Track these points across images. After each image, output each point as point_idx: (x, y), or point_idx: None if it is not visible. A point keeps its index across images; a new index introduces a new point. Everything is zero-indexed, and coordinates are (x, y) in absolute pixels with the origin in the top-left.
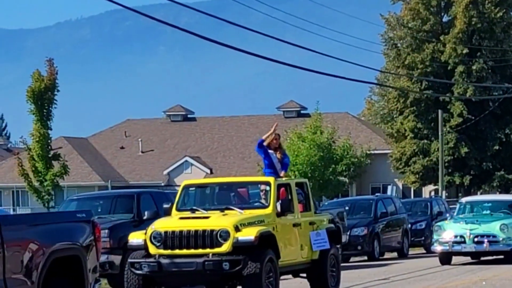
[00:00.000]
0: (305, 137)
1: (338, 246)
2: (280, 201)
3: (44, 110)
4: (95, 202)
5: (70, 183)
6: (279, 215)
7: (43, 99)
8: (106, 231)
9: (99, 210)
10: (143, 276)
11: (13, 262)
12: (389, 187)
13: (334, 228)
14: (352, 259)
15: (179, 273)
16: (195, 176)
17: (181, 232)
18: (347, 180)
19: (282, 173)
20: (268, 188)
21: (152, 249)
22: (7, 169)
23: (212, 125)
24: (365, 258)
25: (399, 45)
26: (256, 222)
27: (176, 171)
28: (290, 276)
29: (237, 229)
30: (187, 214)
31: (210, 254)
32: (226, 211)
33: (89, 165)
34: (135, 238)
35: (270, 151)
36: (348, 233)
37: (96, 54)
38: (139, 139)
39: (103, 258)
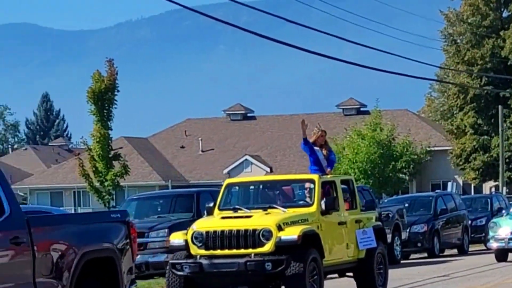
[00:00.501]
0: (364, 135)
1: (385, 244)
2: (324, 199)
3: (105, 111)
4: (155, 202)
5: (131, 183)
6: (323, 213)
7: (103, 99)
8: (166, 230)
9: (159, 209)
10: (184, 277)
11: (43, 264)
12: (449, 184)
13: (380, 226)
14: (412, 256)
15: (221, 274)
16: (255, 174)
17: (222, 232)
18: (407, 177)
19: (328, 170)
20: (312, 186)
21: (193, 250)
22: (69, 169)
23: (272, 124)
24: (425, 255)
25: (458, 41)
26: (300, 221)
27: (236, 170)
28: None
29: (279, 228)
30: (229, 213)
31: (252, 254)
32: (269, 210)
33: (150, 165)
34: (176, 238)
35: (316, 148)
36: (408, 230)
37: (156, 53)
38: (199, 138)
39: (161, 257)
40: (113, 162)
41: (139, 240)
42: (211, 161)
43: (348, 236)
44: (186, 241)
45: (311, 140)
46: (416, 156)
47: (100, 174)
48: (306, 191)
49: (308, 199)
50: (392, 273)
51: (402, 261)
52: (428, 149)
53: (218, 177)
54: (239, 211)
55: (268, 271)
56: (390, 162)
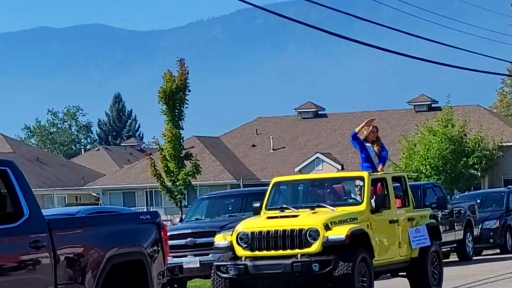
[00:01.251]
0: (436, 131)
1: (439, 242)
2: (374, 197)
3: (176, 110)
4: (226, 201)
5: (202, 182)
6: (373, 211)
7: (174, 99)
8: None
9: (230, 208)
10: (230, 279)
11: (66, 269)
12: None
13: (435, 223)
14: (484, 252)
15: (267, 275)
16: (326, 172)
17: (268, 232)
18: (479, 173)
19: (379, 167)
20: (362, 183)
21: (239, 251)
22: (141, 169)
23: (343, 121)
24: (498, 251)
25: None
26: (348, 220)
27: (307, 167)
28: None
29: (327, 227)
30: (276, 213)
31: (299, 255)
32: (317, 209)
33: (221, 164)
34: (222, 239)
35: (367, 144)
36: (480, 226)
37: (227, 53)
38: (271, 137)
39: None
40: (185, 161)
41: (210, 239)
42: (283, 159)
43: (400, 235)
44: (231, 242)
45: (362, 137)
46: (488, 152)
47: (172, 174)
48: (356, 189)
49: (358, 197)
50: (465, 269)
51: (474, 258)
52: (500, 144)
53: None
54: (286, 211)
55: (316, 272)
56: (462, 158)
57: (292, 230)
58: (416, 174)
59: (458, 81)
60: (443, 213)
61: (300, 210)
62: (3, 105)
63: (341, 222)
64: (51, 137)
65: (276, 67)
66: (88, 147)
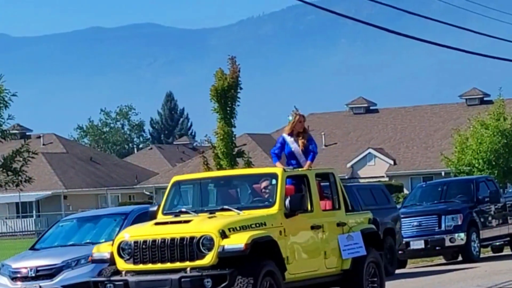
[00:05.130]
0: (488, 124)
1: (380, 251)
2: (289, 198)
3: (228, 108)
4: None
5: None
6: (288, 215)
7: (226, 97)
8: None
9: None
10: None
11: None
12: None
13: (373, 229)
14: None
15: None
16: (378, 167)
17: (154, 241)
18: None
19: (306, 164)
20: (275, 181)
21: (120, 264)
22: (193, 167)
23: (395, 116)
24: None
25: None
26: (254, 226)
27: (359, 163)
28: None
29: (223, 235)
30: (168, 218)
31: (188, 269)
32: (218, 213)
33: None
34: (100, 250)
35: (290, 139)
36: None
37: (279, 49)
38: (322, 133)
39: None
40: (237, 159)
41: None
42: (335, 155)
43: (327, 243)
44: (111, 253)
45: (286, 132)
46: None
47: None
48: (266, 190)
49: (271, 199)
50: None
51: None
52: None
53: (342, 171)
54: (182, 215)
55: None
56: None
57: (182, 239)
58: (468, 168)
59: (510, 74)
60: (496, 207)
61: (200, 214)
62: (56, 105)
63: (243, 228)
64: (104, 137)
65: (327, 63)
66: (140, 146)
